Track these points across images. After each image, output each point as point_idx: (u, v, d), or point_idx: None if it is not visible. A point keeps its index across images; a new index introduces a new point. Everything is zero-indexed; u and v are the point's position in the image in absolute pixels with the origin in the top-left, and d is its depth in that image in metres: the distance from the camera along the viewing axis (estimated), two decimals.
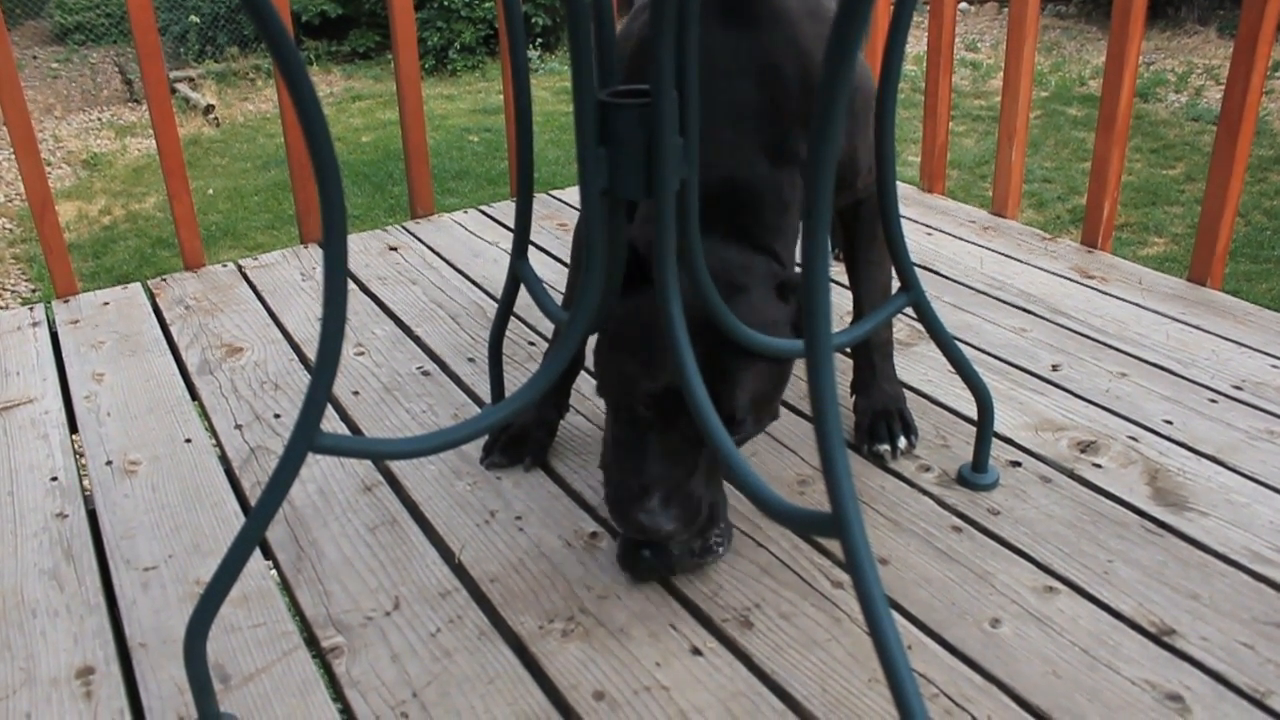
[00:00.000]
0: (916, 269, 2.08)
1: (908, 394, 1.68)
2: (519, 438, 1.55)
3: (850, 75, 0.78)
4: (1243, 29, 1.88)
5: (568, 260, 1.90)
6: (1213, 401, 1.64)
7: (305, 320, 2.04)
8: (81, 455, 1.63)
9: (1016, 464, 1.51)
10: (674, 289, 1.05)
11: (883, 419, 1.55)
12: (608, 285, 1.12)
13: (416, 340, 1.95)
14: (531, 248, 2.28)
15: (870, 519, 1.40)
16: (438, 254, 2.34)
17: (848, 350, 1.68)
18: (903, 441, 1.54)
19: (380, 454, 1.04)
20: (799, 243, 1.38)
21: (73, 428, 1.71)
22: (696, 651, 1.20)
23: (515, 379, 1.77)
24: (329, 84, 7.80)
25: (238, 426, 1.68)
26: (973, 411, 1.54)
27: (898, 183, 2.42)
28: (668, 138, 0.99)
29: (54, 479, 1.57)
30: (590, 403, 1.70)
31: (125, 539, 1.42)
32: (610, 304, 1.14)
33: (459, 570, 1.34)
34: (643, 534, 1.19)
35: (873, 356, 1.57)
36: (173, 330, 2.02)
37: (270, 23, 0.79)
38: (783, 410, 1.66)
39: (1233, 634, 1.19)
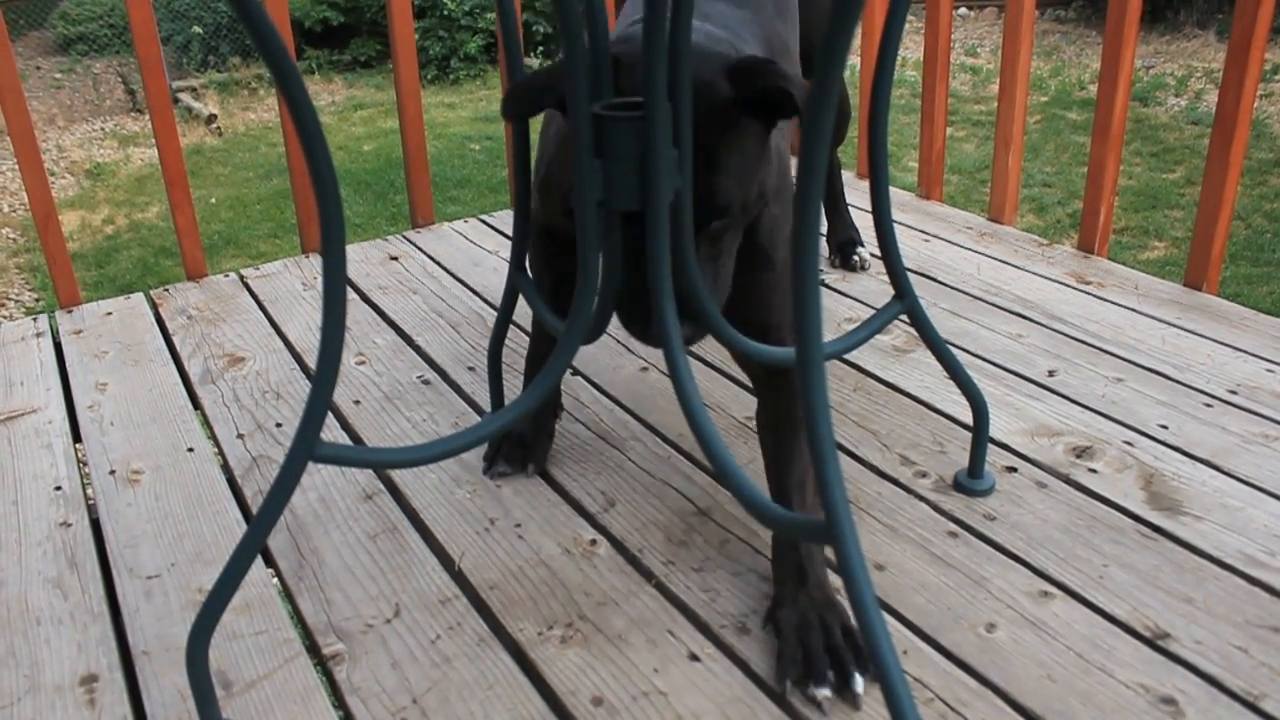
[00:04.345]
0: (913, 276, 2.09)
1: (904, 401, 1.69)
2: (520, 445, 1.56)
3: (840, 75, 0.79)
4: (1236, 32, 1.89)
5: None
6: (1208, 406, 1.65)
7: (307, 330, 2.05)
8: (85, 464, 1.65)
9: (1012, 469, 1.51)
10: (672, 319, 1.05)
11: (821, 643, 1.14)
12: (603, 295, 1.13)
13: (417, 349, 1.96)
14: None
15: (867, 525, 1.41)
16: (438, 263, 2.35)
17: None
18: (858, 681, 1.10)
19: (380, 463, 1.05)
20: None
21: (76, 437, 1.72)
22: (694, 657, 1.21)
23: (515, 387, 1.78)
24: (331, 93, 7.82)
25: (239, 436, 1.70)
26: (969, 417, 1.55)
27: (894, 189, 2.44)
28: (662, 149, 1.00)
29: (58, 488, 1.58)
30: (589, 410, 1.71)
31: (128, 548, 1.43)
32: (606, 315, 1.15)
33: (459, 577, 1.36)
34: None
35: (795, 554, 1.21)
36: (175, 340, 2.03)
37: (262, 27, 0.81)
38: None
39: (1226, 637, 1.20)
